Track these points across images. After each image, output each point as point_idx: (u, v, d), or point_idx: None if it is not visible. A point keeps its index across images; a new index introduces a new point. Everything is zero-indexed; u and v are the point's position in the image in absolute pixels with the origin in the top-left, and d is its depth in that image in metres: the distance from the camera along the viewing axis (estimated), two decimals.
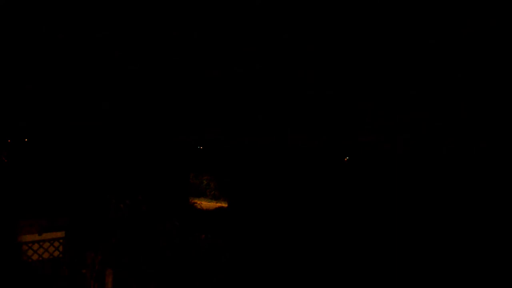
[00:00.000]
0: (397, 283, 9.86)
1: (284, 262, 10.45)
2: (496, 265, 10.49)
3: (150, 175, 19.68)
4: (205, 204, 23.47)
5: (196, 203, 19.65)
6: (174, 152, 25.65)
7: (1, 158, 16.28)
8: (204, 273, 8.02)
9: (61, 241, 7.77)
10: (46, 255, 7.54)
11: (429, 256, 11.29)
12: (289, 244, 12.18)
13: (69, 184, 13.25)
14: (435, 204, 14.62)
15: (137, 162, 21.47)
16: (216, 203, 25.74)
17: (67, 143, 22.91)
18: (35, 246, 7.43)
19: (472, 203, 13.66)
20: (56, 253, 7.68)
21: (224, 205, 23.18)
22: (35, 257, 7.41)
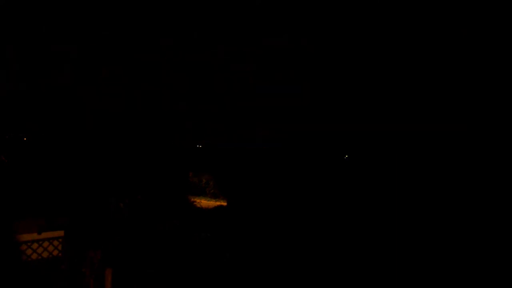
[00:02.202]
0: (397, 283, 9.88)
1: (285, 261, 10.47)
2: (496, 264, 10.51)
3: (149, 174, 19.67)
4: (205, 202, 23.45)
5: (195, 201, 19.64)
6: (173, 151, 25.64)
7: (0, 158, 16.27)
8: (204, 273, 8.03)
9: (60, 240, 7.78)
10: (45, 254, 7.55)
11: (429, 256, 11.31)
12: (290, 243, 12.20)
13: (69, 184, 13.24)
14: (435, 203, 14.65)
15: (136, 161, 21.46)
16: (216, 201, 25.72)
17: (66, 143, 22.89)
18: (35, 245, 7.43)
19: (472, 203, 13.68)
20: (56, 252, 7.68)
21: (224, 203, 23.17)
22: (34, 256, 7.42)
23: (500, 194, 12.64)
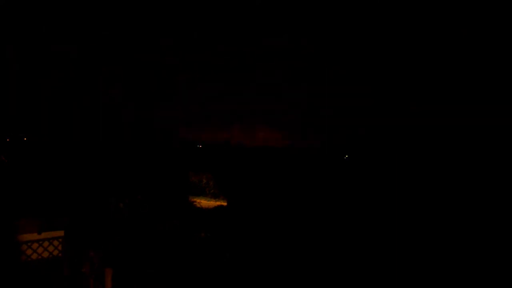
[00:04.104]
0: (397, 283, 9.87)
1: (285, 261, 10.47)
2: (496, 265, 10.51)
3: (149, 174, 19.68)
4: (205, 202, 23.42)
5: (195, 201, 19.62)
6: (173, 151, 25.64)
7: (1, 158, 16.27)
8: (204, 273, 8.03)
9: (60, 240, 7.77)
10: (45, 254, 7.54)
11: (429, 257, 11.31)
12: (290, 243, 12.19)
13: (69, 183, 13.24)
14: (435, 204, 14.64)
15: (136, 161, 21.47)
16: (216, 201, 25.68)
17: (66, 143, 22.91)
18: (35, 245, 7.43)
19: (472, 204, 13.68)
20: (56, 252, 7.68)
21: (224, 203, 23.14)
22: (34, 256, 7.41)
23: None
